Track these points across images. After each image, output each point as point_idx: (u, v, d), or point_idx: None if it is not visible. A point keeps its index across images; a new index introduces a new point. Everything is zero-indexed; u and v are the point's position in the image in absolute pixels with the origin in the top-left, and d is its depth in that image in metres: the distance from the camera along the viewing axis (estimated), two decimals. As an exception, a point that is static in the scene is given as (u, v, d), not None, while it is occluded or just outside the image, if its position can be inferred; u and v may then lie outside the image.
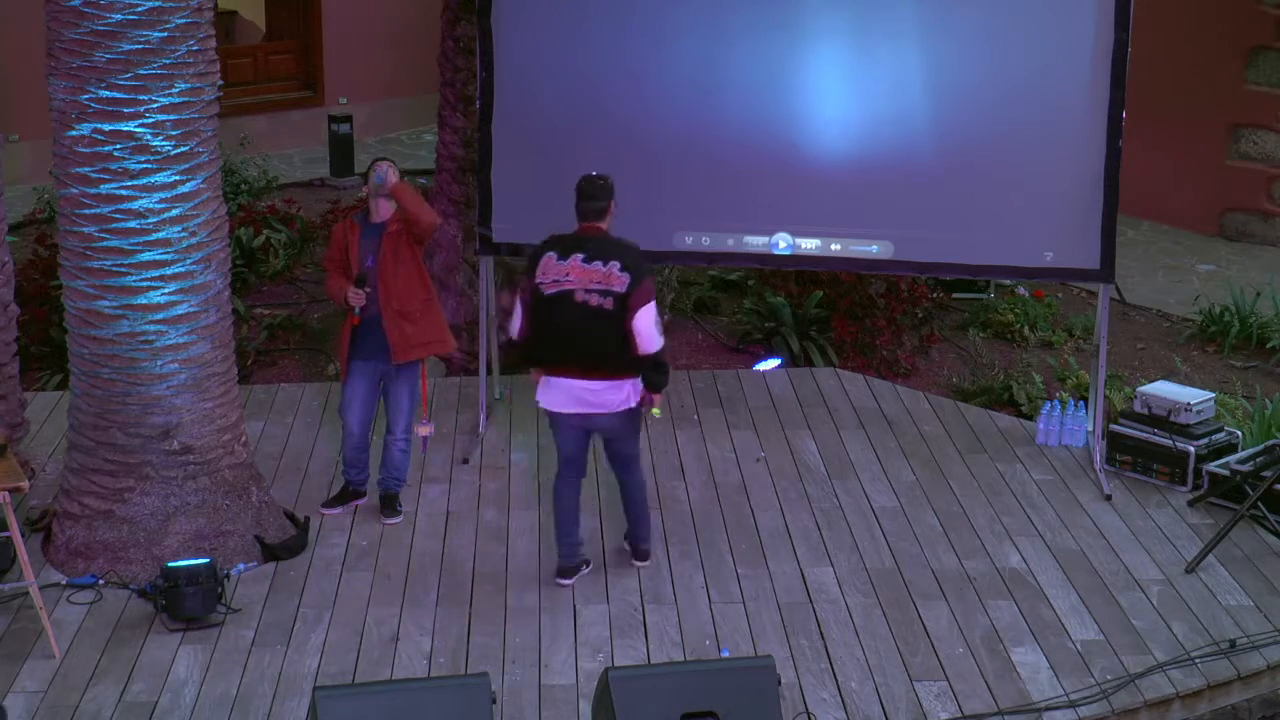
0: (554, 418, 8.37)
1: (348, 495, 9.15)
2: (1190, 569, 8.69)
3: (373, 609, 8.17)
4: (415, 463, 9.33)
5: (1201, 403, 9.75)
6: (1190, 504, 9.43)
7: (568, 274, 8.06)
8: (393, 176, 8.68)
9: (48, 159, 8.43)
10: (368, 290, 8.66)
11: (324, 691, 6.36)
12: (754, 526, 9.11)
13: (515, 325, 8.26)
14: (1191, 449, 9.54)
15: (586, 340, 8.08)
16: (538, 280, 8.10)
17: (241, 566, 8.44)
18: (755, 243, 9.92)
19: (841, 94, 9.67)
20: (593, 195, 8.18)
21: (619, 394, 8.17)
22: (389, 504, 9.06)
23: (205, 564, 7.97)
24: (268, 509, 8.74)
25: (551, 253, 8.12)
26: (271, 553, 8.57)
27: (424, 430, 9.09)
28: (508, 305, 8.60)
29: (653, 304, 8.08)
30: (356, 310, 8.70)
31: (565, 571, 8.43)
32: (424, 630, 8.00)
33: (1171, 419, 9.66)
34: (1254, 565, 8.77)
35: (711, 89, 9.70)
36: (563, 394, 8.24)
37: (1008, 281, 12.91)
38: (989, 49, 9.56)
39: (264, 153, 15.61)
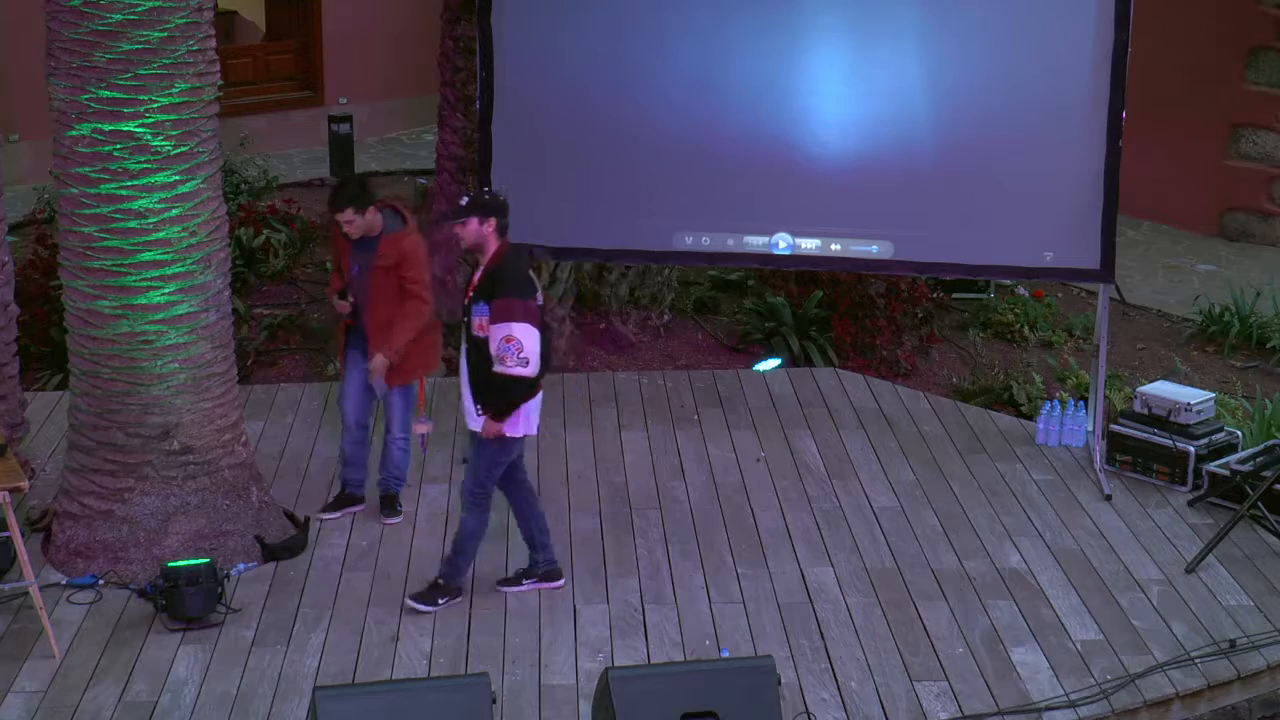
0: (520, 444, 8.13)
1: (345, 501, 9.10)
2: (1190, 569, 8.69)
3: (373, 609, 8.17)
4: (415, 463, 9.31)
5: (1201, 403, 9.75)
6: (1190, 504, 9.43)
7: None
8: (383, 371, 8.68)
9: (48, 159, 8.43)
10: (351, 301, 8.70)
11: (324, 691, 6.36)
12: (754, 526, 9.11)
13: (535, 360, 7.82)
14: (1191, 449, 9.54)
15: None
16: (540, 303, 7.96)
17: (242, 566, 8.44)
18: (755, 243, 9.92)
19: (841, 94, 9.67)
20: None
21: None
22: (389, 504, 9.06)
23: (205, 564, 7.96)
24: (268, 509, 8.74)
25: (530, 268, 8.01)
26: (271, 553, 8.57)
27: (421, 428, 9.05)
28: (529, 348, 7.82)
29: None
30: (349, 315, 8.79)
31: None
32: (424, 630, 8.00)
33: (1171, 419, 9.66)
34: (1254, 565, 8.77)
35: (712, 89, 9.70)
36: (539, 408, 8.11)
37: (1008, 281, 12.92)
38: (989, 49, 9.56)
39: (264, 153, 15.60)
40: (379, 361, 8.64)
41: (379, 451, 9.08)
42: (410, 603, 8.12)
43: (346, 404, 8.95)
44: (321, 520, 8.99)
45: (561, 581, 8.36)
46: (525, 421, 8.01)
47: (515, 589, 8.30)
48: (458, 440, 10.03)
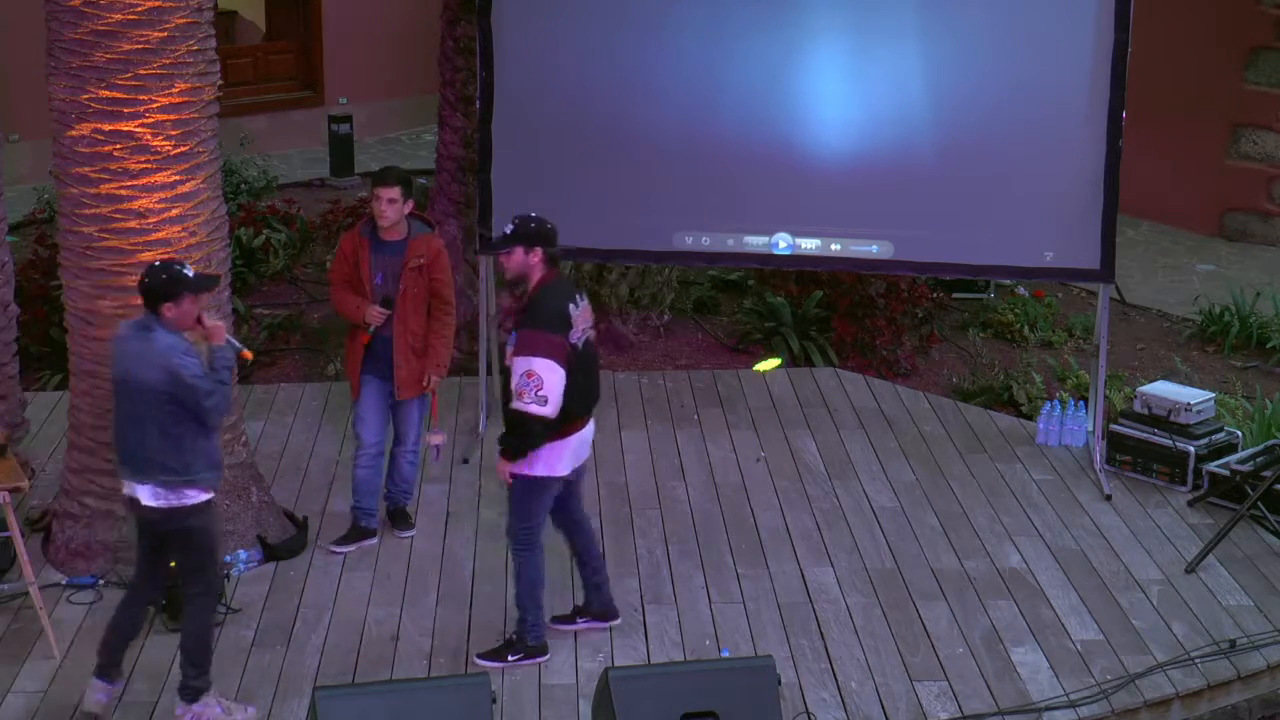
0: (552, 484, 7.60)
1: (358, 534, 8.82)
2: (1190, 569, 8.69)
3: (373, 609, 8.17)
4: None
5: (1201, 403, 9.75)
6: (1190, 504, 9.43)
7: (584, 319, 7.54)
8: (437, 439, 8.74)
9: (48, 159, 8.42)
10: (389, 311, 8.45)
11: (324, 691, 6.36)
12: (754, 526, 9.11)
13: (555, 399, 7.28)
14: (1191, 449, 9.54)
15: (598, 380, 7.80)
16: (573, 339, 7.42)
17: (243, 554, 8.42)
18: (755, 243, 9.92)
19: (842, 94, 9.67)
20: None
21: None
22: (401, 518, 8.94)
23: (205, 564, 7.96)
24: (268, 509, 8.74)
25: (570, 303, 7.44)
26: (272, 553, 8.56)
27: (435, 439, 8.79)
28: (543, 392, 7.29)
29: None
30: (371, 329, 8.48)
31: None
32: (424, 630, 8.00)
33: (1171, 419, 9.66)
34: (1254, 565, 8.77)
35: (712, 89, 9.70)
36: (576, 449, 7.60)
37: (1008, 281, 12.92)
38: (989, 49, 9.56)
39: (264, 153, 15.61)
40: (435, 383, 8.55)
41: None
42: (480, 661, 7.68)
43: (364, 427, 8.65)
44: (331, 551, 8.72)
45: (614, 621, 8.00)
46: (551, 460, 7.49)
47: (568, 626, 7.94)
48: (459, 441, 10.03)
